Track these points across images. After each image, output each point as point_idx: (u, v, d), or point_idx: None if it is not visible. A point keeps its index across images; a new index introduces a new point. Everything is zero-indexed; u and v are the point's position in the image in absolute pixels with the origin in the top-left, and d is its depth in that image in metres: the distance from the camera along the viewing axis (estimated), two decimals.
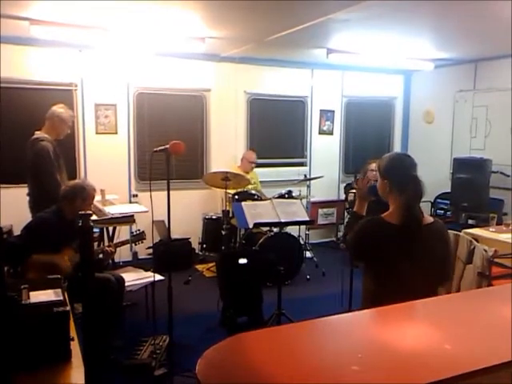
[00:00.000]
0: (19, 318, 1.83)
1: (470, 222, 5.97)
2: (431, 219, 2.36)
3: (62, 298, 2.10)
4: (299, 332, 1.22)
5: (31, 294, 2.09)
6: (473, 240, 3.50)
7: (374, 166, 6.47)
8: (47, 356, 1.90)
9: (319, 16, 4.10)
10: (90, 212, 2.93)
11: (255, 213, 3.92)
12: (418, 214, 2.24)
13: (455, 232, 3.63)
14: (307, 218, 4.13)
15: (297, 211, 4.07)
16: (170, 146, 2.80)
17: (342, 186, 7.26)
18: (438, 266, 2.31)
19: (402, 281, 2.17)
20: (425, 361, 1.05)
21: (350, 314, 1.24)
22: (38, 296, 2.08)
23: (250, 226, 3.86)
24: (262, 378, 1.00)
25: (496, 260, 3.54)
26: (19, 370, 1.74)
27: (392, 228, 2.20)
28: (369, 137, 7.65)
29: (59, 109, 4.36)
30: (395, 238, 2.19)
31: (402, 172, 2.30)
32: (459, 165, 6.37)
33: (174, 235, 5.66)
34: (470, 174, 6.11)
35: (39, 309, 1.95)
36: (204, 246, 6.10)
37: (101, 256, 3.72)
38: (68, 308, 2.01)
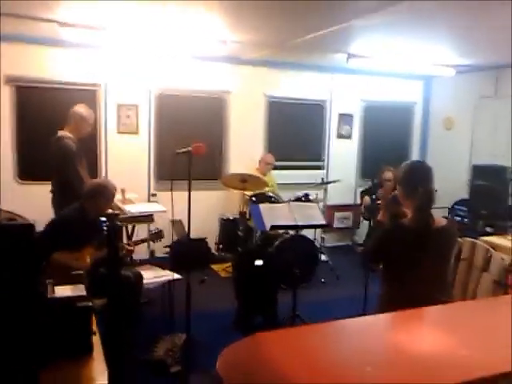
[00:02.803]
0: (44, 311, 1.90)
1: (488, 229, 5.92)
2: (444, 221, 2.49)
3: (84, 293, 2.17)
4: (315, 333, 1.26)
5: (55, 288, 2.17)
6: (490, 248, 3.49)
7: (389, 175, 6.48)
8: (70, 349, 1.97)
9: (341, 22, 4.13)
10: (118, 212, 3.01)
11: (272, 215, 3.97)
12: (427, 218, 2.37)
13: (472, 239, 3.63)
14: (324, 222, 4.17)
15: (313, 214, 4.11)
16: (192, 147, 2.86)
17: (359, 190, 7.25)
18: (443, 270, 2.42)
19: (416, 280, 2.29)
20: (440, 365, 1.08)
21: (365, 317, 1.28)
22: (62, 291, 2.16)
23: (268, 228, 3.91)
24: (279, 376, 1.05)
25: None
26: (43, 363, 1.81)
27: (407, 231, 2.36)
28: (387, 142, 7.62)
29: (80, 108, 4.48)
30: (409, 239, 2.35)
31: (413, 179, 2.47)
32: (478, 172, 6.33)
33: (191, 235, 5.73)
34: (489, 182, 6.07)
35: (63, 303, 2.02)
36: (220, 246, 6.15)
37: (121, 253, 3.79)
38: (90, 303, 2.08)
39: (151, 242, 4.39)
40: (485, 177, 6.18)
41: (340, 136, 7.36)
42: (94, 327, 2.15)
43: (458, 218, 6.61)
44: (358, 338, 1.22)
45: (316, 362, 1.11)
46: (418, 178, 2.46)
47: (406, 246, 2.34)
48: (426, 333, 1.30)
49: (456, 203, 6.75)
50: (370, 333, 1.25)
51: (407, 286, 2.30)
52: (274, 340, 1.22)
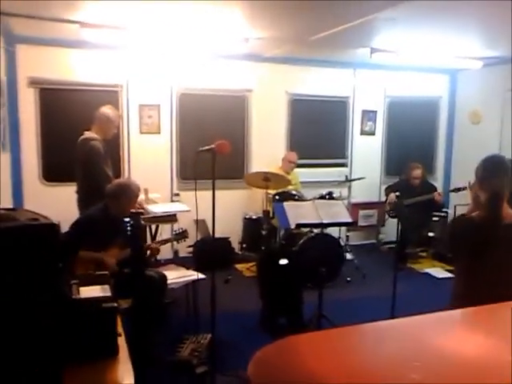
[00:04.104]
0: (69, 312, 1.87)
1: None
2: None
3: (110, 293, 2.14)
4: (352, 336, 1.19)
5: (80, 289, 2.14)
6: None
7: (418, 172, 6.34)
8: (95, 351, 1.94)
9: (365, 15, 4.04)
10: (141, 211, 2.99)
11: (297, 213, 3.89)
12: (496, 212, 2.32)
13: None
14: (349, 220, 4.07)
15: (339, 212, 4.02)
16: (215, 145, 2.81)
17: (383, 187, 7.12)
18: None
19: (487, 278, 2.27)
20: (486, 372, 1.01)
21: (405, 318, 1.21)
22: (87, 292, 2.13)
23: (292, 226, 3.84)
24: (315, 382, 0.99)
25: None
26: (68, 364, 1.78)
27: (475, 225, 2.34)
28: (412, 138, 7.47)
29: (107, 109, 4.48)
30: (475, 233, 2.32)
31: (485, 172, 2.42)
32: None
33: (215, 234, 5.71)
34: None
35: (89, 304, 1.99)
36: (244, 245, 6.11)
37: (147, 253, 3.78)
38: (116, 304, 2.05)
39: (175, 242, 4.36)
40: None
41: (363, 133, 7.25)
42: (120, 329, 2.13)
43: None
44: (398, 342, 1.15)
45: (354, 367, 1.04)
46: (491, 172, 2.41)
47: (472, 239, 2.33)
48: (471, 335, 1.22)
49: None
50: (412, 335, 1.18)
51: (475, 279, 2.30)
52: (307, 343, 1.16)
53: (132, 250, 2.33)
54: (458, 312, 1.31)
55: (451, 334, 1.18)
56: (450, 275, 5.71)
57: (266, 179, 5.14)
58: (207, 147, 2.86)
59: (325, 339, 1.20)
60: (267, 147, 6.60)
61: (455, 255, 2.53)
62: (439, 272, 5.97)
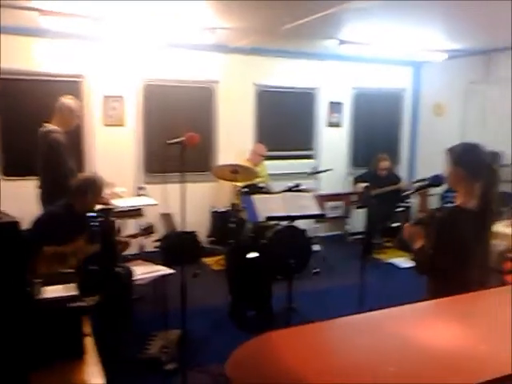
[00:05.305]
0: (33, 313, 1.80)
1: None
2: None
3: (75, 292, 2.08)
4: (329, 331, 1.18)
5: (44, 289, 2.07)
6: None
7: (386, 164, 6.44)
8: (61, 352, 1.88)
9: (333, 5, 4.03)
10: (111, 207, 2.90)
11: (266, 206, 3.87)
12: (493, 200, 2.31)
13: None
14: (318, 212, 4.07)
15: (308, 205, 4.01)
16: (185, 137, 2.75)
17: (350, 178, 7.19)
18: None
19: (473, 272, 2.27)
20: (461, 362, 1.01)
21: (379, 311, 1.20)
22: (52, 291, 2.06)
23: (261, 219, 3.82)
24: (295, 378, 0.97)
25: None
26: (34, 367, 1.72)
27: (470, 213, 2.28)
28: (377, 129, 7.57)
29: (68, 100, 4.32)
30: (472, 222, 2.28)
31: (476, 159, 2.36)
32: None
33: (182, 228, 5.64)
34: None
35: (53, 304, 1.93)
36: (212, 239, 6.06)
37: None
38: (81, 303, 1.99)
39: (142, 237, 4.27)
40: None
41: (330, 124, 7.29)
42: (88, 328, 2.06)
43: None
44: (375, 335, 1.14)
45: (333, 361, 1.03)
46: (481, 158, 2.36)
47: (470, 229, 2.25)
48: (444, 326, 1.22)
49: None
50: (388, 328, 1.17)
51: (464, 274, 2.24)
52: (286, 339, 1.14)
53: (102, 246, 2.25)
54: (430, 303, 1.32)
55: (424, 325, 1.18)
56: (412, 264, 5.82)
57: (234, 172, 5.09)
58: (177, 140, 2.80)
59: (302, 335, 1.18)
60: (235, 139, 6.55)
61: (444, 249, 2.31)
62: (402, 262, 6.08)
